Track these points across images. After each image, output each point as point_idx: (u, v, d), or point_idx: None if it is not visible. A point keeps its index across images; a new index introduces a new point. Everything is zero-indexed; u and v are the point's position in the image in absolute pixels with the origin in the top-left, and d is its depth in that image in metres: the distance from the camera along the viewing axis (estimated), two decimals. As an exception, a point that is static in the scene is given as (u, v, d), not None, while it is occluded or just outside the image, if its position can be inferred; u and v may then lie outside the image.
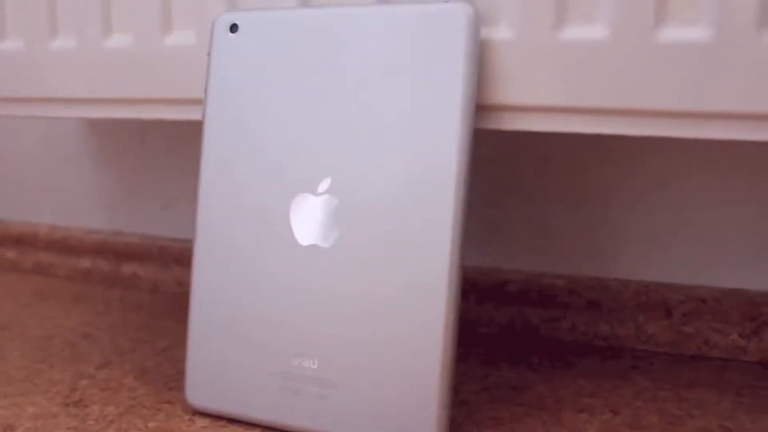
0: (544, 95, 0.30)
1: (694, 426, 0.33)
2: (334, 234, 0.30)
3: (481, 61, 0.30)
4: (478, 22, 0.29)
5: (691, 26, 0.28)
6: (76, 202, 0.57)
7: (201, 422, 0.32)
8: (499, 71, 0.30)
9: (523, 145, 0.45)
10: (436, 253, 0.29)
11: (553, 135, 0.44)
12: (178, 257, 0.51)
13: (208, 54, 0.33)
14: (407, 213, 0.30)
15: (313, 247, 0.31)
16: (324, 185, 0.31)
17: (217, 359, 0.32)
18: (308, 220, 0.31)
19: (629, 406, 0.35)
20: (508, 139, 0.45)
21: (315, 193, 0.31)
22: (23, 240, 0.58)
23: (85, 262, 0.55)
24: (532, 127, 0.31)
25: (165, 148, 0.53)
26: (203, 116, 0.33)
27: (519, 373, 0.39)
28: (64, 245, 0.56)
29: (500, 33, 0.30)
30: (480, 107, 0.31)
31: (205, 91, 0.33)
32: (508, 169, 0.45)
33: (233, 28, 0.32)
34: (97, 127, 0.55)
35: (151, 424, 0.32)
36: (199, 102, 0.35)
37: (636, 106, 0.29)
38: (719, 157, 0.41)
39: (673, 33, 0.28)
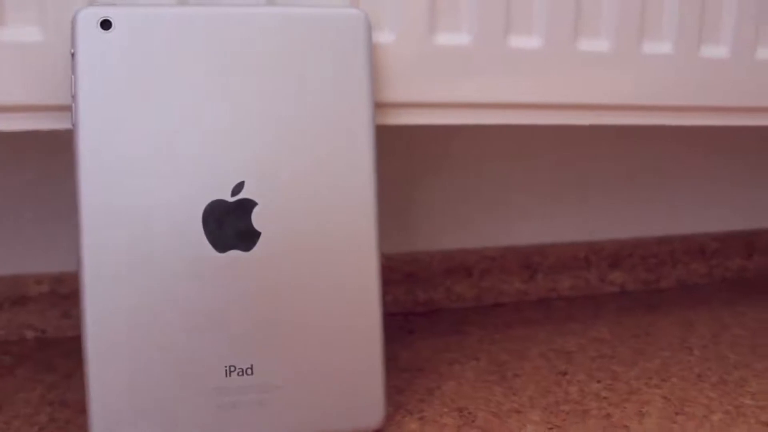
0: (421, 93, 0.34)
1: (536, 353, 0.41)
2: (256, 238, 0.30)
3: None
4: (371, 26, 0.32)
5: (528, 36, 0.35)
6: None
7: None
8: (383, 72, 0.33)
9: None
10: (361, 244, 0.31)
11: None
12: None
13: (72, 54, 0.29)
14: (328, 209, 0.31)
15: (233, 255, 0.30)
16: (238, 189, 0.30)
17: (134, 392, 0.29)
18: (224, 227, 0.30)
19: (483, 352, 0.41)
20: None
21: (228, 198, 0.30)
22: None
23: None
24: (411, 122, 0.35)
25: None
26: (74, 124, 0.29)
27: (379, 346, 0.42)
28: None
29: (383, 37, 0.33)
30: (370, 105, 0.33)
31: (74, 96, 0.29)
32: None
33: (105, 24, 0.29)
34: None
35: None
36: (51, 109, 0.30)
37: (494, 101, 0.35)
38: (500, 141, 0.50)
39: (517, 40, 0.35)
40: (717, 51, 0.38)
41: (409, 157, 0.49)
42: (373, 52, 0.33)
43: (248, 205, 0.30)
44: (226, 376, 0.30)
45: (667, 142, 0.53)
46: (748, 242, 0.56)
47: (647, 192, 0.53)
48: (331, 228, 0.31)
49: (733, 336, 0.44)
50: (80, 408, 0.34)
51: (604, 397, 0.35)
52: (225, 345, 0.30)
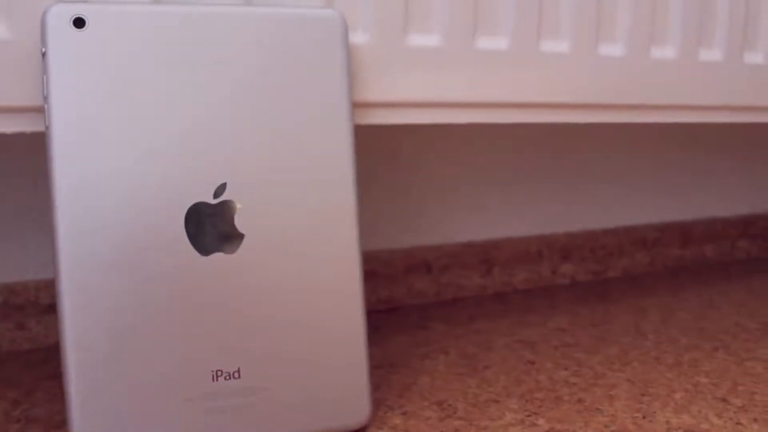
0: (393, 93, 0.35)
1: (501, 344, 0.42)
2: (239, 240, 0.30)
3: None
4: (347, 27, 0.32)
5: (494, 37, 0.36)
6: None
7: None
8: (356, 72, 0.34)
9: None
10: (344, 243, 0.31)
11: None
12: None
13: (43, 53, 0.28)
14: (310, 209, 0.31)
15: (216, 257, 0.29)
16: (220, 190, 0.30)
17: (118, 403, 0.28)
18: (207, 229, 0.29)
19: (450, 345, 0.42)
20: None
21: (211, 200, 0.29)
22: None
23: None
24: (383, 121, 0.35)
25: None
26: (47, 126, 0.28)
27: (348, 345, 0.42)
28: None
29: (357, 37, 0.33)
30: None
31: (47, 97, 0.27)
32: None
33: (79, 22, 0.28)
34: None
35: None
36: (21, 110, 0.29)
37: (463, 100, 0.36)
38: (452, 140, 0.51)
39: (486, 42, 0.36)
40: (663, 52, 0.41)
41: (365, 156, 0.49)
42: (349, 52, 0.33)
43: (231, 207, 0.30)
44: (213, 380, 0.29)
45: (611, 140, 0.56)
46: (683, 232, 0.59)
47: (592, 186, 0.56)
48: (313, 228, 0.31)
49: (680, 320, 0.47)
50: (52, 423, 0.32)
51: (574, 383, 0.37)
52: (211, 349, 0.29)
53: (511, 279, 0.53)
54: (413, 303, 0.50)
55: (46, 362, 0.39)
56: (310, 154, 0.31)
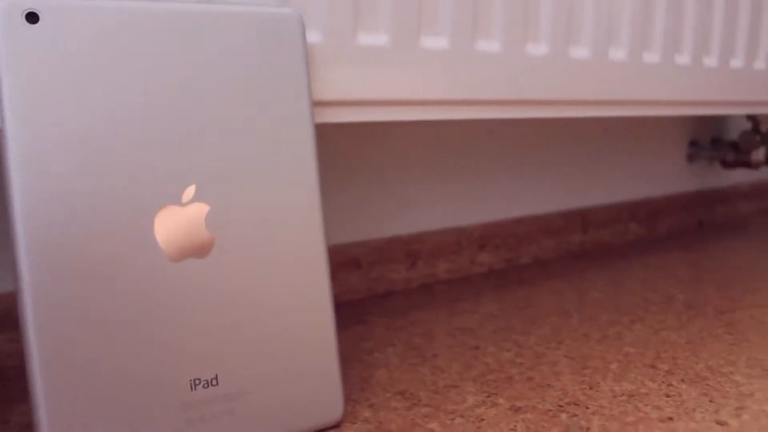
0: (346, 90, 0.35)
1: (442, 333, 0.44)
2: (210, 244, 0.29)
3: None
4: (304, 26, 0.32)
5: (436, 36, 0.38)
6: None
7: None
8: (311, 71, 0.34)
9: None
10: (310, 242, 0.32)
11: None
12: None
13: (-7, 50, 0.25)
14: (277, 209, 0.31)
15: (188, 263, 0.28)
16: (189, 193, 0.29)
17: (92, 419, 0.26)
18: (178, 234, 0.28)
19: (394, 338, 0.43)
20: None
21: (181, 204, 0.28)
22: None
23: None
24: (334, 120, 0.36)
25: None
26: (1, 129, 0.25)
27: (294, 345, 0.42)
28: None
29: (310, 37, 0.34)
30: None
31: (-1, 97, 0.25)
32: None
33: (32, 17, 0.26)
34: None
35: None
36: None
37: (409, 98, 0.37)
38: (375, 138, 0.52)
39: (429, 41, 0.37)
40: (581, 52, 0.44)
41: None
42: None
43: (201, 210, 0.29)
44: (192, 389, 0.29)
45: (516, 136, 0.59)
46: (584, 218, 0.64)
47: (502, 179, 0.59)
48: (281, 229, 0.31)
49: (595, 299, 0.51)
50: (2, 452, 0.30)
51: (520, 363, 0.39)
52: (187, 358, 0.28)
53: (434, 270, 0.55)
54: (347, 299, 0.51)
55: (-31, 389, 0.35)
56: (274, 154, 0.31)
